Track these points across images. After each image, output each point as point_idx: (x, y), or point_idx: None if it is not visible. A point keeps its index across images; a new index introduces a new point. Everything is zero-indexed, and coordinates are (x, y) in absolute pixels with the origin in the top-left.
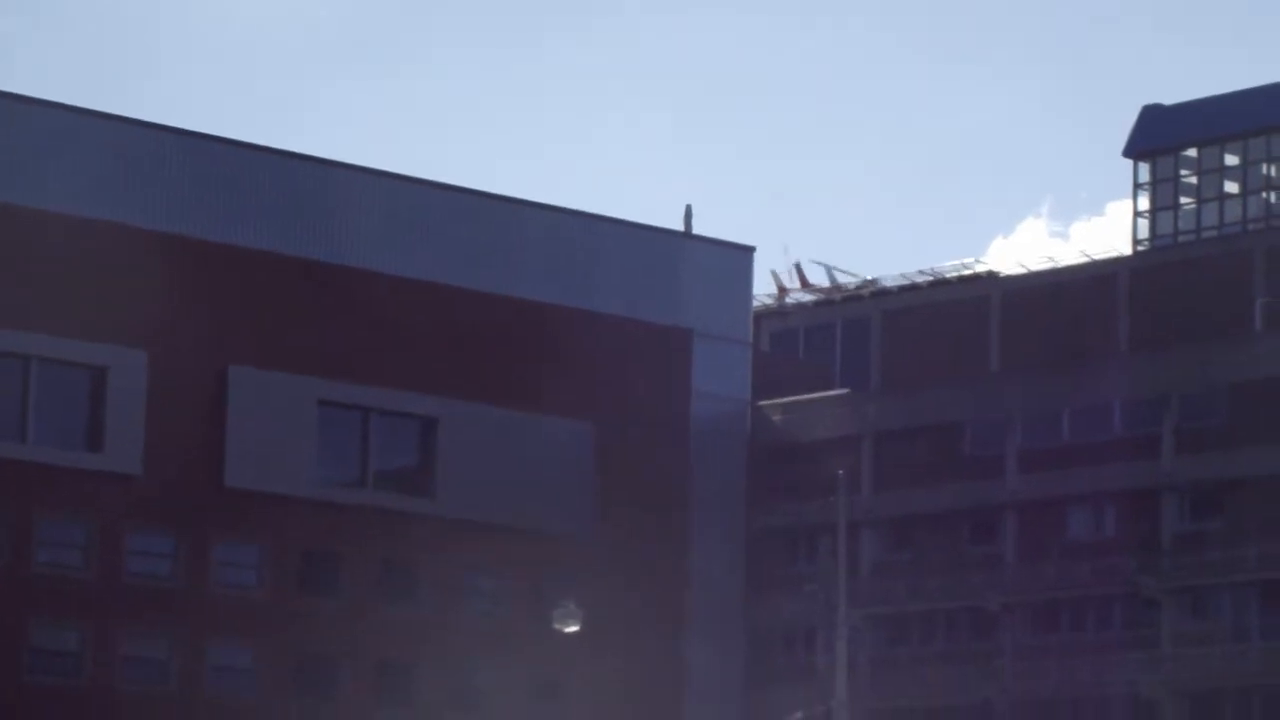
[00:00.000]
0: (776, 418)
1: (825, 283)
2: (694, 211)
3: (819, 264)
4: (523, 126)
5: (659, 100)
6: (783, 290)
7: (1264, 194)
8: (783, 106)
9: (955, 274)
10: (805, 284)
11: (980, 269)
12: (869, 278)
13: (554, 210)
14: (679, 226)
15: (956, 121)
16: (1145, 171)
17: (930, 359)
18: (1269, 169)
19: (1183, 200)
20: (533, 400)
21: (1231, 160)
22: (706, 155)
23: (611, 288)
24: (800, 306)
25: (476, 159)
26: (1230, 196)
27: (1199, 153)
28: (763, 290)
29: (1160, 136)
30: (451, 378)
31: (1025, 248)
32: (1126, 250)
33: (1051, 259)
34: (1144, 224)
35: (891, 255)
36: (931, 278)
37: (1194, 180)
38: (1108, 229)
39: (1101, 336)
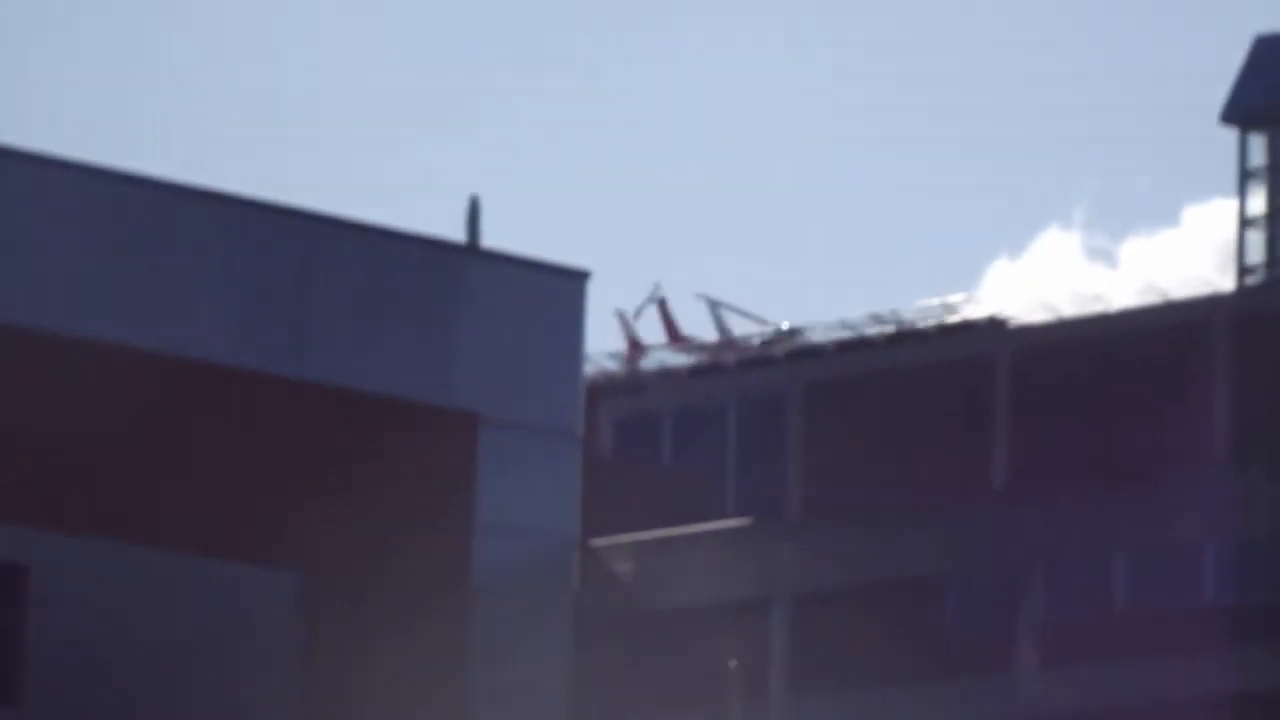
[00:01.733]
0: (624, 567)
1: (711, 335)
2: (484, 209)
3: (702, 301)
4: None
5: (435, 35)
6: (636, 347)
7: None
8: (640, 43)
9: (932, 321)
10: (676, 337)
11: (975, 313)
12: (785, 326)
13: (242, 205)
14: (457, 235)
15: (934, 74)
16: (1259, 149)
17: (888, 467)
18: None
19: None
20: (197, 534)
21: None
22: (511, 121)
23: (337, 339)
24: (667, 375)
25: (109, 122)
26: None
27: None
28: (603, 347)
29: None
30: (51, 497)
31: (1047, 278)
32: (1224, 283)
33: (1097, 298)
34: (1255, 239)
35: (825, 290)
36: (891, 327)
37: None
38: (1186, 248)
39: (1183, 427)
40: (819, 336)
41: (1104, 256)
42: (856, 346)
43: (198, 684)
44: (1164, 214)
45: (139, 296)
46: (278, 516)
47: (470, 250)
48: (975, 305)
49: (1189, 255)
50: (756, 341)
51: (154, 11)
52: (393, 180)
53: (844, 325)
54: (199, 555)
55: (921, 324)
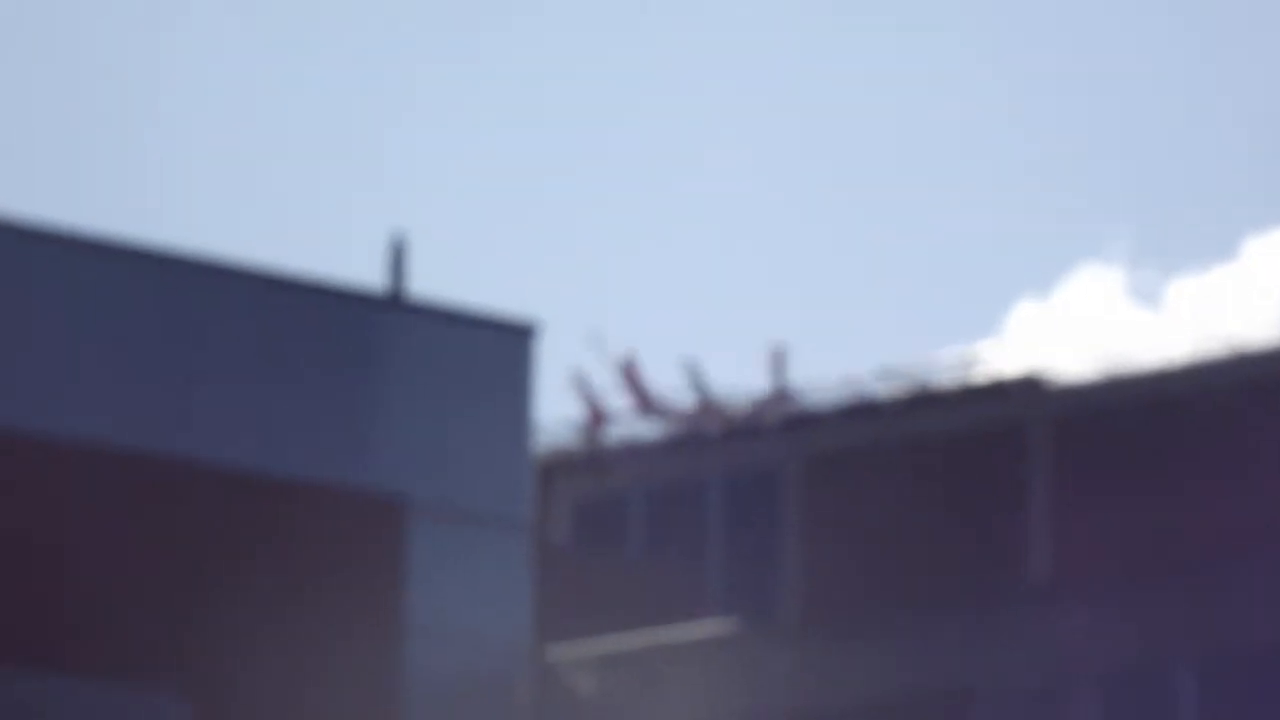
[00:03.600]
0: (587, 682)
1: (688, 400)
2: (410, 251)
3: (678, 364)
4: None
5: (349, 44)
6: (598, 416)
7: None
8: (603, 48)
9: (952, 380)
10: (646, 402)
11: (1003, 369)
12: (775, 390)
13: (110, 249)
14: (378, 283)
15: (945, 81)
16: None
17: (903, 558)
18: None
19: None
20: (62, 652)
21: None
22: (442, 145)
23: (230, 412)
24: (636, 450)
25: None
26: None
27: None
28: (559, 414)
29: None
30: None
31: (1083, 322)
32: None
33: (1144, 347)
34: None
35: (823, 343)
36: (904, 388)
37: None
38: (1245, 287)
39: (1261, 506)
40: (818, 400)
41: (1149, 297)
42: (864, 411)
43: None
44: (1220, 247)
45: (34, 384)
46: (160, 630)
47: (393, 301)
48: (1000, 356)
49: (1248, 295)
50: (745, 405)
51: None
52: (298, 217)
53: (848, 383)
54: (64, 678)
55: (941, 382)
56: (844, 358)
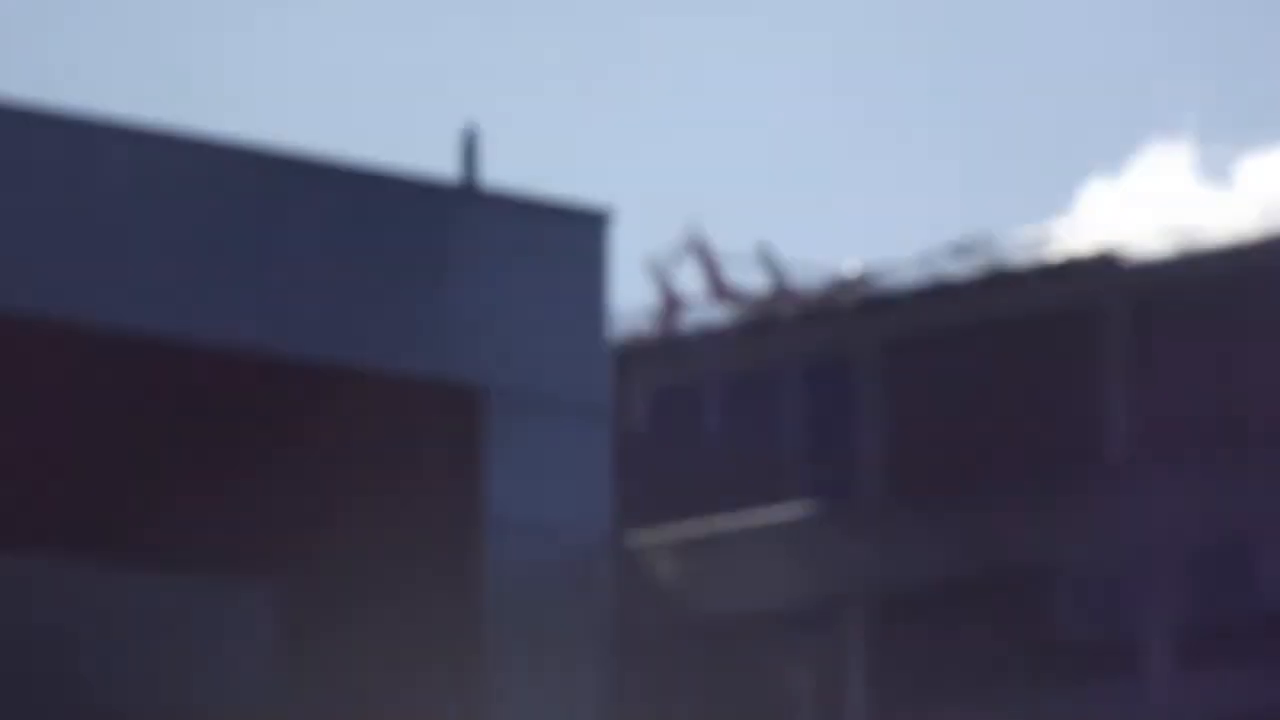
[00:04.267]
0: (668, 567)
1: (763, 285)
2: (483, 140)
3: (753, 249)
4: None
5: None
6: (673, 303)
7: None
8: None
9: (1026, 259)
10: (722, 290)
11: (1078, 246)
12: (852, 272)
13: (180, 141)
14: (450, 170)
15: None
16: None
17: (983, 438)
18: None
19: None
20: (147, 544)
21: None
22: (512, 31)
23: (306, 304)
24: (712, 336)
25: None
26: None
27: None
28: (636, 302)
29: None
30: None
31: (1153, 201)
32: None
33: (1215, 224)
34: None
35: (896, 226)
36: (979, 261)
37: None
38: None
39: None
40: (895, 282)
41: (1220, 173)
42: (939, 293)
43: None
44: None
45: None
46: (240, 523)
47: (467, 191)
48: (1073, 234)
49: None
50: (822, 289)
51: None
52: (369, 109)
53: (925, 265)
54: (148, 573)
55: (1015, 261)
56: (917, 236)
